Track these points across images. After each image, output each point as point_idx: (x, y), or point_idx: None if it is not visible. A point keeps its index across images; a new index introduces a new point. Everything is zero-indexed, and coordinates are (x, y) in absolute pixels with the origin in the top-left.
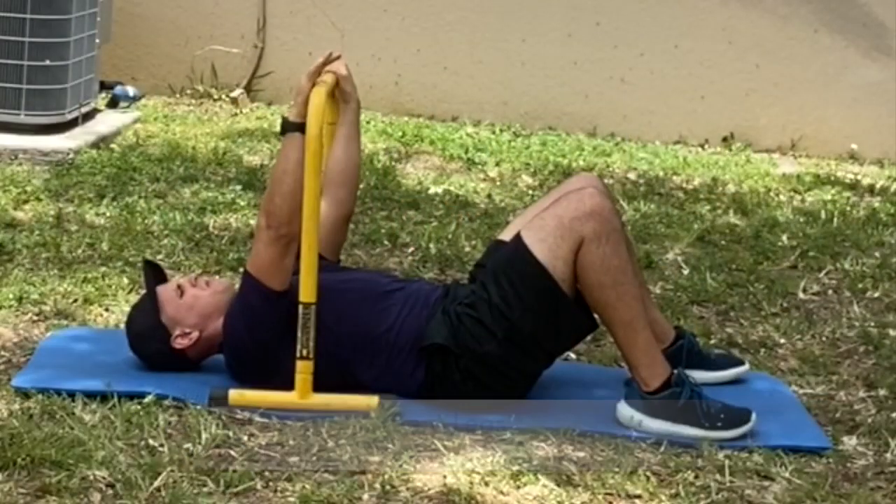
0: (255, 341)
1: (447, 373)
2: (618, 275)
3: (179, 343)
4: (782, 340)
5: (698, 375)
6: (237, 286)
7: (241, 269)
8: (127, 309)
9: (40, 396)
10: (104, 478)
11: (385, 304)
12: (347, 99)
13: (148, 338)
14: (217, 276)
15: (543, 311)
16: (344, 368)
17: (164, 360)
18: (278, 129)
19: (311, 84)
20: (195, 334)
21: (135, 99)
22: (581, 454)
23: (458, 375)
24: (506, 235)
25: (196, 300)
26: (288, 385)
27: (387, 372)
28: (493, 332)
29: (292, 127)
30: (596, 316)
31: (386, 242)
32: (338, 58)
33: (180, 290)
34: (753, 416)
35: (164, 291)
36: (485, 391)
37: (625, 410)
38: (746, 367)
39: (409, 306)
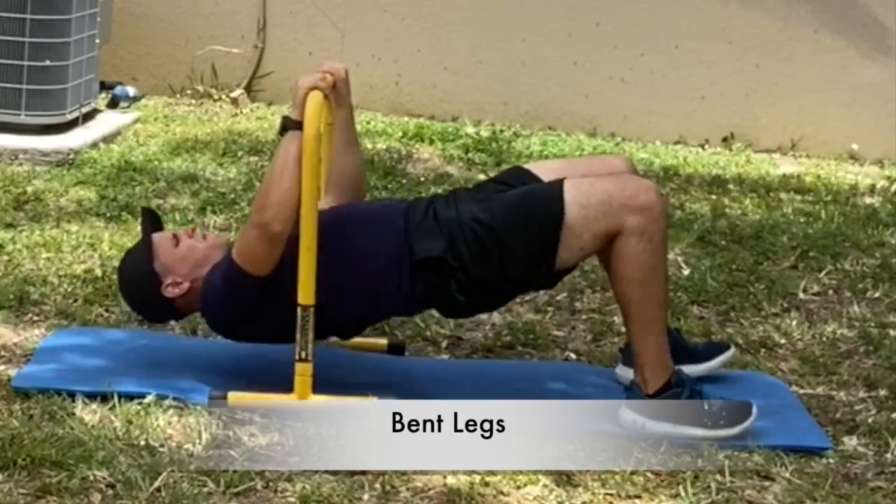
0: (233, 310)
1: (443, 283)
2: (649, 274)
3: (169, 292)
4: (782, 340)
5: (688, 370)
6: (232, 241)
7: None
8: (127, 310)
9: (40, 396)
10: (104, 478)
11: (353, 235)
12: (340, 102)
13: (139, 283)
14: (215, 233)
15: (536, 262)
16: (335, 311)
17: (151, 306)
18: (278, 129)
19: (309, 87)
20: (186, 284)
21: (135, 99)
22: (581, 454)
23: (454, 286)
24: (536, 169)
25: (191, 251)
26: (270, 334)
27: (373, 296)
28: (491, 258)
29: (294, 125)
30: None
31: None
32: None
33: (176, 239)
34: (754, 408)
35: (160, 239)
36: (474, 305)
37: (627, 415)
38: (732, 350)
39: (378, 228)
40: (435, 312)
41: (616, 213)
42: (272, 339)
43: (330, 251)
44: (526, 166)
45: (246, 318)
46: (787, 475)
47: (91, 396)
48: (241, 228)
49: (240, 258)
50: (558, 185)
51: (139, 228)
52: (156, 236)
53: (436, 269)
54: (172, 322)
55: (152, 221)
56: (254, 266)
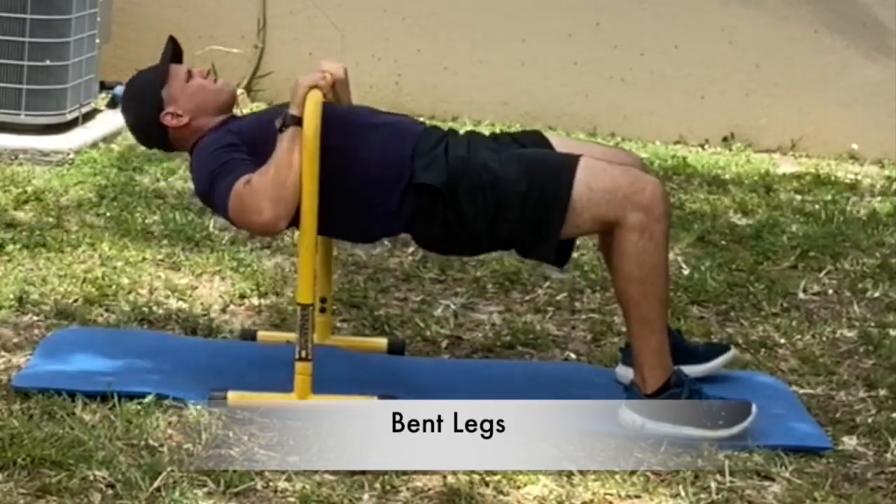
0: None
1: (431, 212)
2: (650, 273)
3: (168, 120)
4: (782, 340)
5: (688, 370)
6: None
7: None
8: (127, 309)
9: (40, 396)
10: (104, 478)
11: (365, 135)
12: (340, 101)
13: (142, 101)
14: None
15: (534, 230)
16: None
17: (145, 127)
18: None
19: (308, 86)
20: (185, 119)
21: None
22: (581, 454)
23: (440, 218)
24: (553, 140)
25: (200, 89)
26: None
27: (360, 197)
28: (486, 207)
29: (295, 121)
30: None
31: (386, 242)
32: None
33: (189, 74)
34: (754, 408)
35: (176, 69)
36: (451, 244)
37: (627, 416)
38: (733, 351)
39: (389, 138)
40: (435, 312)
41: (619, 203)
42: None
43: (337, 148)
44: (546, 135)
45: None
46: (787, 475)
47: (91, 396)
48: (235, 202)
49: (236, 207)
50: (574, 160)
51: (161, 53)
52: (173, 66)
53: (429, 198)
54: (172, 322)
55: (174, 51)
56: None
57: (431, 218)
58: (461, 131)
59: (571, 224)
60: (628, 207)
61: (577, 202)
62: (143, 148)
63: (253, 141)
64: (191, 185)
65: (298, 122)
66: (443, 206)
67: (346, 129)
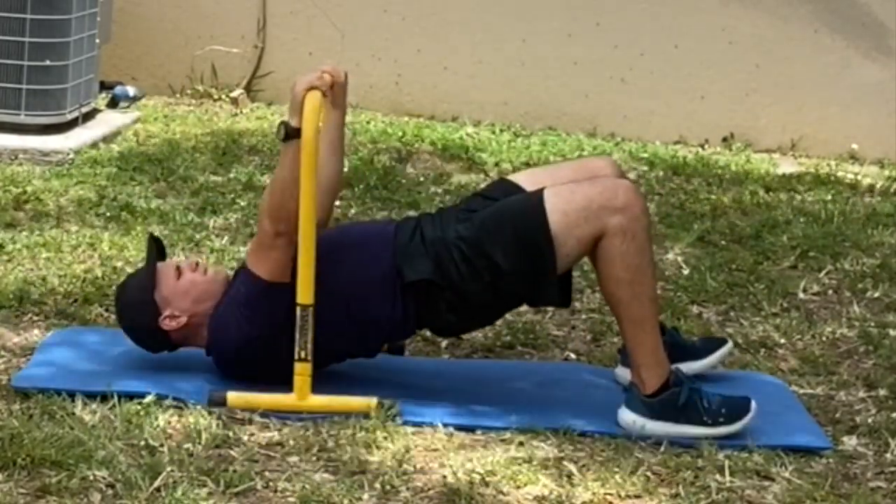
0: (255, 334)
1: (433, 304)
2: (637, 273)
3: (167, 324)
4: (782, 340)
5: (686, 367)
6: (231, 277)
7: (236, 268)
8: None
9: (40, 396)
10: (104, 478)
11: (341, 260)
12: (335, 104)
13: (137, 311)
14: (214, 267)
15: (531, 276)
16: (330, 331)
17: (146, 335)
18: (278, 132)
19: (305, 88)
20: (184, 318)
21: (135, 99)
22: (581, 454)
23: (444, 305)
24: (520, 180)
25: (192, 286)
26: (285, 380)
27: (364, 319)
28: (480, 275)
29: (295, 133)
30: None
31: None
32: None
33: (179, 272)
34: (753, 404)
35: (164, 269)
36: (467, 322)
37: (626, 416)
38: (730, 344)
39: (367, 252)
40: None
41: (596, 215)
42: (285, 370)
43: (322, 285)
44: (510, 177)
45: (263, 341)
46: (787, 475)
47: (91, 396)
48: (251, 247)
49: (267, 274)
50: (537, 194)
51: (145, 255)
52: (159, 265)
53: (426, 290)
54: None
55: (158, 250)
56: (282, 273)
57: (436, 308)
58: (431, 211)
59: (561, 255)
60: (606, 215)
61: (558, 232)
62: (142, 148)
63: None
64: (191, 185)
65: (298, 133)
66: (441, 293)
67: (325, 262)
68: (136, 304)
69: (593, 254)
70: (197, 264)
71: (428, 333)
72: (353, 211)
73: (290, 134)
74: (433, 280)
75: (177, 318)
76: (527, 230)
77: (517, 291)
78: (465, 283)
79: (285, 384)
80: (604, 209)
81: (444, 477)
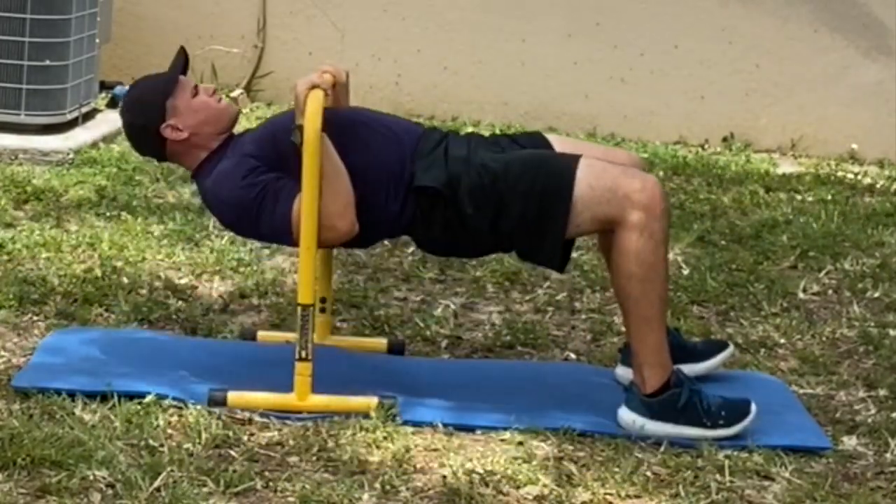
0: (251, 230)
1: (432, 214)
2: (649, 271)
3: (168, 132)
4: (782, 340)
5: (687, 369)
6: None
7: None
8: (127, 310)
9: (40, 396)
10: (104, 478)
11: (365, 137)
12: (337, 104)
13: (144, 109)
14: (230, 101)
15: (535, 230)
16: None
17: (143, 134)
18: (294, 137)
19: (307, 88)
20: (185, 134)
21: None
22: (581, 454)
23: (441, 220)
24: (554, 140)
25: (204, 107)
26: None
27: (361, 200)
28: (487, 206)
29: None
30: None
31: (386, 243)
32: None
33: (196, 90)
34: (753, 406)
35: (183, 82)
36: (453, 245)
37: (626, 415)
38: (731, 348)
39: (389, 141)
40: (435, 312)
41: (619, 202)
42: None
43: (338, 152)
44: (546, 135)
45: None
46: (787, 475)
47: (91, 396)
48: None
49: (297, 225)
50: (574, 159)
51: (171, 63)
52: (181, 77)
53: (430, 199)
54: (172, 322)
55: (184, 64)
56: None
57: (432, 220)
58: (461, 132)
59: (572, 224)
60: (628, 206)
61: (578, 201)
62: None
63: (272, 158)
64: (191, 186)
65: None
66: (443, 207)
67: (343, 133)
68: (145, 103)
69: (607, 246)
70: (215, 91)
71: (428, 334)
72: None
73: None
74: (441, 191)
75: (179, 130)
76: (550, 187)
77: (515, 237)
78: (469, 207)
79: (273, 377)
80: (628, 199)
81: (444, 477)
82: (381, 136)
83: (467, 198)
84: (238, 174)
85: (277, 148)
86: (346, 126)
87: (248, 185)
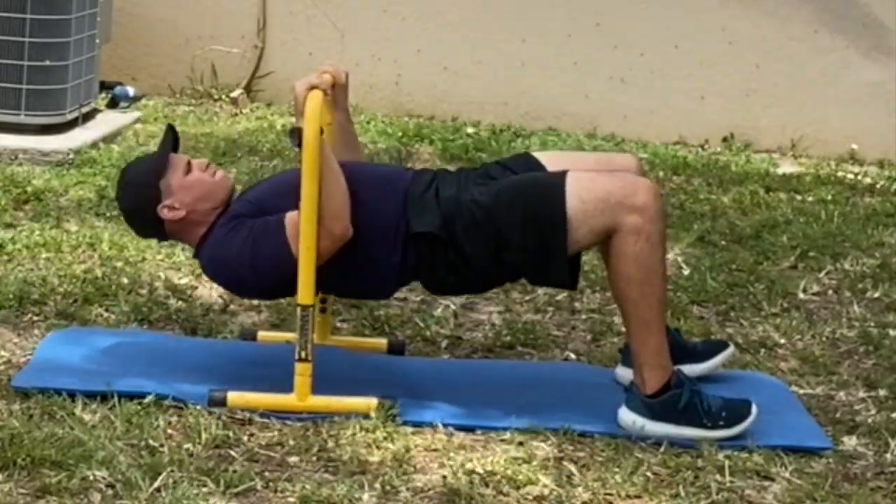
0: (252, 278)
1: (433, 259)
2: (648, 274)
3: (165, 213)
4: (782, 340)
5: (688, 369)
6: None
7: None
8: (127, 310)
9: (40, 396)
10: (104, 478)
11: (355, 193)
12: (337, 105)
13: (138, 192)
14: (223, 172)
15: (538, 254)
16: (330, 264)
17: (140, 218)
18: (291, 139)
19: (306, 90)
20: (182, 212)
21: (135, 99)
22: (581, 454)
23: (443, 262)
24: (543, 158)
25: (199, 183)
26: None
27: (363, 256)
28: (485, 242)
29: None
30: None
31: None
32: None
33: (189, 167)
34: (754, 407)
35: (175, 160)
36: (461, 284)
37: (626, 416)
38: (732, 348)
39: (380, 193)
40: (435, 312)
41: (613, 210)
42: (270, 295)
43: None
44: (535, 154)
45: (255, 288)
46: (787, 475)
47: (91, 396)
48: (295, 229)
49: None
50: (561, 176)
51: (159, 142)
52: (172, 156)
53: (429, 244)
54: (172, 322)
55: (173, 141)
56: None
57: (435, 263)
58: (452, 169)
59: (572, 240)
60: (623, 212)
61: (572, 218)
62: (142, 148)
63: (258, 216)
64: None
65: None
66: (444, 250)
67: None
68: (139, 186)
69: (605, 250)
70: (208, 165)
71: (428, 334)
72: None
73: (301, 137)
74: (438, 235)
75: (176, 210)
76: (542, 209)
77: (518, 266)
78: (468, 245)
79: (273, 378)
80: (621, 205)
81: (444, 477)
82: (372, 188)
83: (465, 237)
84: (225, 232)
85: (264, 210)
86: None
87: (234, 231)
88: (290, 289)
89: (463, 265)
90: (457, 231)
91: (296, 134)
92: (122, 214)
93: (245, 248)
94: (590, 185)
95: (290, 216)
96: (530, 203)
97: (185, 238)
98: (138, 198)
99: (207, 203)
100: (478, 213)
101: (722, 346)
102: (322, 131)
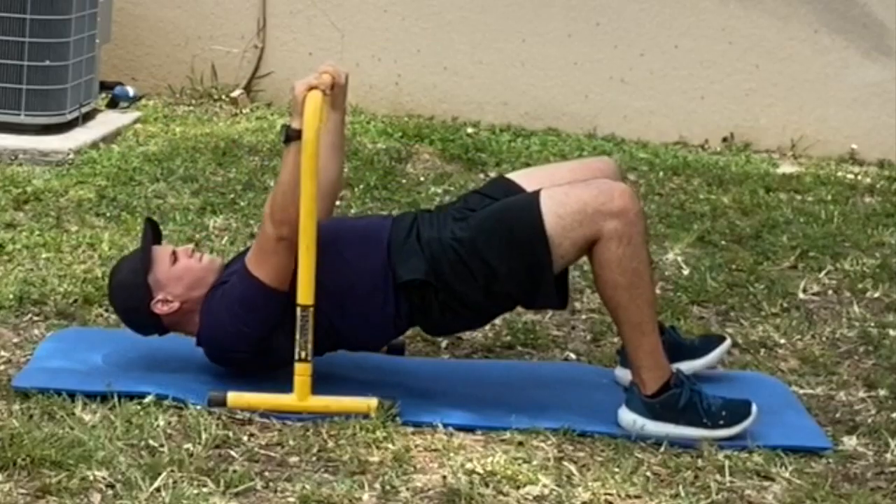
0: (247, 332)
1: (426, 303)
2: (634, 277)
3: (159, 308)
4: (782, 340)
5: (686, 366)
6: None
7: (232, 258)
8: None
9: (40, 396)
10: (104, 478)
11: (338, 252)
12: (335, 105)
13: (129, 292)
14: (209, 255)
15: (526, 279)
16: (324, 323)
17: (136, 317)
18: (280, 136)
19: (305, 90)
20: (176, 304)
21: (135, 99)
22: (581, 454)
23: (437, 305)
24: (519, 179)
25: (187, 272)
26: (273, 373)
27: (356, 313)
28: (474, 277)
29: (297, 135)
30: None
31: None
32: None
33: (174, 257)
34: (754, 407)
35: (159, 253)
36: (458, 322)
37: (627, 416)
38: (729, 342)
39: (363, 249)
40: None
41: (592, 219)
42: (274, 364)
43: (316, 277)
44: (509, 175)
45: (258, 340)
46: (787, 475)
47: (91, 396)
48: (253, 249)
49: (269, 279)
50: (534, 196)
51: (140, 237)
52: (155, 249)
53: (419, 290)
54: None
55: (153, 232)
56: (282, 281)
57: (429, 308)
58: (431, 206)
59: (556, 257)
60: (601, 219)
61: (553, 234)
62: (142, 148)
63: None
64: (191, 185)
65: (299, 135)
66: (434, 293)
67: (321, 255)
68: (128, 286)
69: (590, 258)
70: (193, 251)
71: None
72: (353, 211)
73: (292, 136)
74: (427, 280)
75: (169, 302)
76: (522, 232)
77: (511, 294)
78: (459, 284)
79: (273, 378)
80: (599, 213)
81: (444, 477)
82: (355, 245)
83: (453, 277)
84: (208, 309)
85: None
86: (320, 248)
87: (214, 302)
88: (285, 325)
89: (456, 304)
90: (444, 272)
91: (287, 132)
92: (118, 316)
93: (222, 308)
94: (564, 200)
95: (246, 259)
96: (509, 229)
97: (184, 328)
98: (130, 298)
99: (199, 290)
100: (461, 250)
101: (719, 340)
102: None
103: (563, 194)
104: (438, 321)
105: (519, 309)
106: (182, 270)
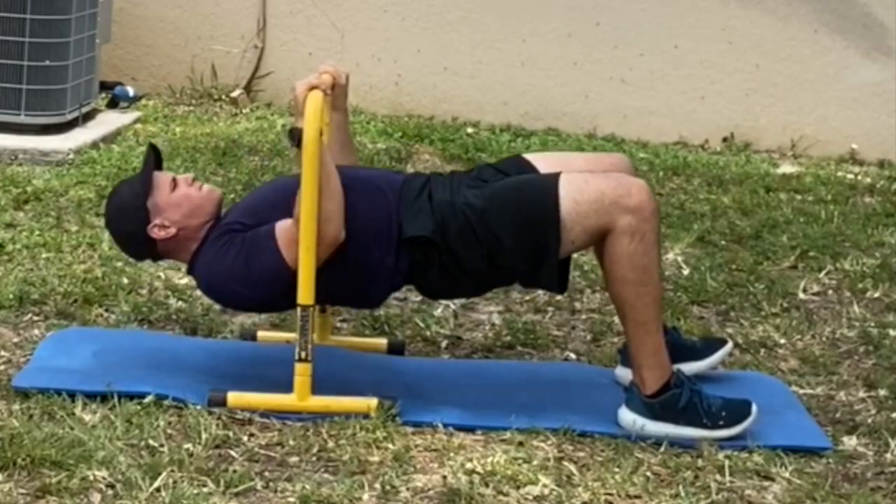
0: (249, 297)
1: (427, 262)
2: (643, 275)
3: (155, 233)
4: (782, 340)
5: (688, 368)
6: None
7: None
8: (127, 309)
9: (40, 396)
10: (104, 478)
11: (347, 200)
12: (336, 106)
13: (127, 215)
14: (210, 185)
15: (532, 256)
16: (324, 269)
17: (132, 240)
18: (287, 139)
19: (305, 90)
20: (173, 230)
21: (135, 99)
22: (581, 454)
23: (437, 266)
24: (534, 160)
25: (186, 199)
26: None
27: (356, 262)
28: (480, 245)
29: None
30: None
31: None
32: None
33: (174, 184)
34: (754, 407)
35: (160, 178)
36: (455, 288)
37: (626, 415)
38: (730, 345)
39: (372, 198)
40: (435, 312)
41: (607, 210)
42: (267, 307)
43: None
44: (526, 156)
45: (255, 300)
46: (787, 475)
47: (91, 396)
48: (289, 236)
49: (291, 260)
50: (554, 178)
51: (142, 161)
52: (156, 174)
53: (423, 248)
54: (172, 322)
55: (155, 159)
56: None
57: (429, 267)
58: (445, 172)
59: (566, 241)
60: (617, 212)
61: (566, 218)
62: (142, 148)
63: (251, 225)
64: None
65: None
66: (437, 254)
67: None
68: (127, 209)
69: (600, 252)
70: (193, 179)
71: (428, 334)
72: None
73: (300, 139)
74: (432, 239)
75: (166, 228)
76: (536, 211)
77: (514, 268)
78: (463, 249)
79: (273, 378)
80: (615, 205)
81: (444, 477)
82: (364, 193)
83: (458, 241)
84: (217, 248)
85: (259, 220)
86: None
87: (226, 246)
88: (287, 299)
89: (456, 269)
90: (450, 235)
91: (295, 134)
92: (113, 239)
93: (237, 263)
94: (583, 186)
95: (280, 225)
96: (524, 205)
97: (178, 256)
98: (127, 221)
99: (197, 218)
100: (472, 217)
101: (721, 342)
102: (321, 132)
103: (582, 181)
104: (435, 282)
105: (519, 309)
106: (181, 197)
